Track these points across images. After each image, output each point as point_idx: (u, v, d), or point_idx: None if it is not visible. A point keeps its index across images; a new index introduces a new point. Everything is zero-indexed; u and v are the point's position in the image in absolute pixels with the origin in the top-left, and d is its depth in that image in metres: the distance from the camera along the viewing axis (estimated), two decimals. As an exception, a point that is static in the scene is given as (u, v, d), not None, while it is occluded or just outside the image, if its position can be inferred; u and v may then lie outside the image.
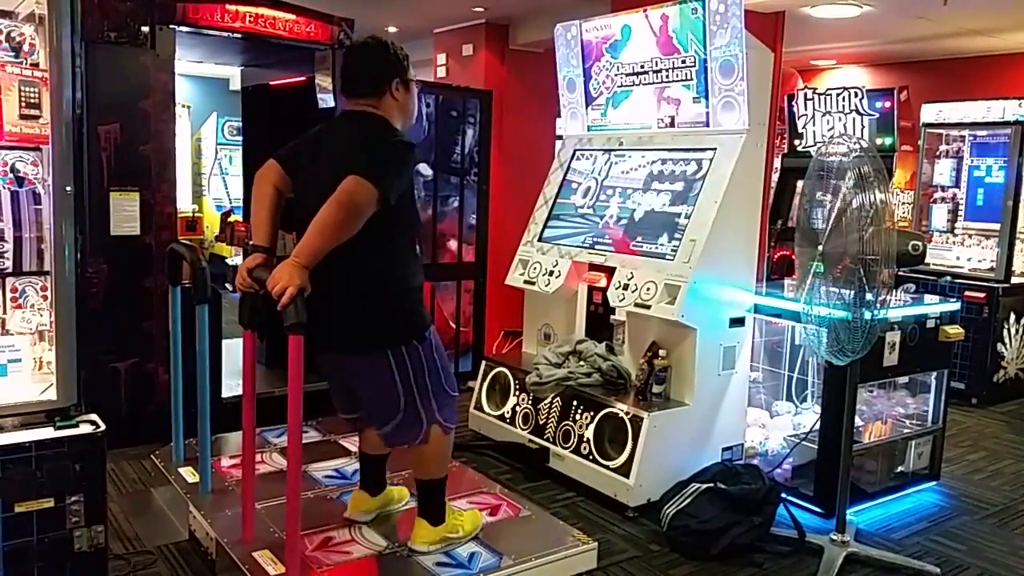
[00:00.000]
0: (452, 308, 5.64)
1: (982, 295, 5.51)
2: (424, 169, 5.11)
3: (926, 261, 3.45)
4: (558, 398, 3.99)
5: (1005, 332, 5.58)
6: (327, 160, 2.63)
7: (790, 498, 3.60)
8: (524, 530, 3.16)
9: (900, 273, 3.58)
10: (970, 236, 6.05)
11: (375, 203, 2.48)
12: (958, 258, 5.94)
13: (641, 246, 3.94)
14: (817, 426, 3.67)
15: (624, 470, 3.57)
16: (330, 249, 2.46)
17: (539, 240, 4.48)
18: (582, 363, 4.04)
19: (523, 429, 4.14)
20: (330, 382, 2.99)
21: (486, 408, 4.42)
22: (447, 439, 2.91)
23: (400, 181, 2.59)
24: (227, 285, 4.33)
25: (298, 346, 2.41)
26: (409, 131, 2.83)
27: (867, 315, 3.02)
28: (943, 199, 6.23)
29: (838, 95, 5.74)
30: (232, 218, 5.86)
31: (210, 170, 9.00)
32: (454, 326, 5.62)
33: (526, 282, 4.42)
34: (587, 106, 4.48)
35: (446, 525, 2.95)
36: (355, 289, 2.64)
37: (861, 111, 5.68)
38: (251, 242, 2.80)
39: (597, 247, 4.17)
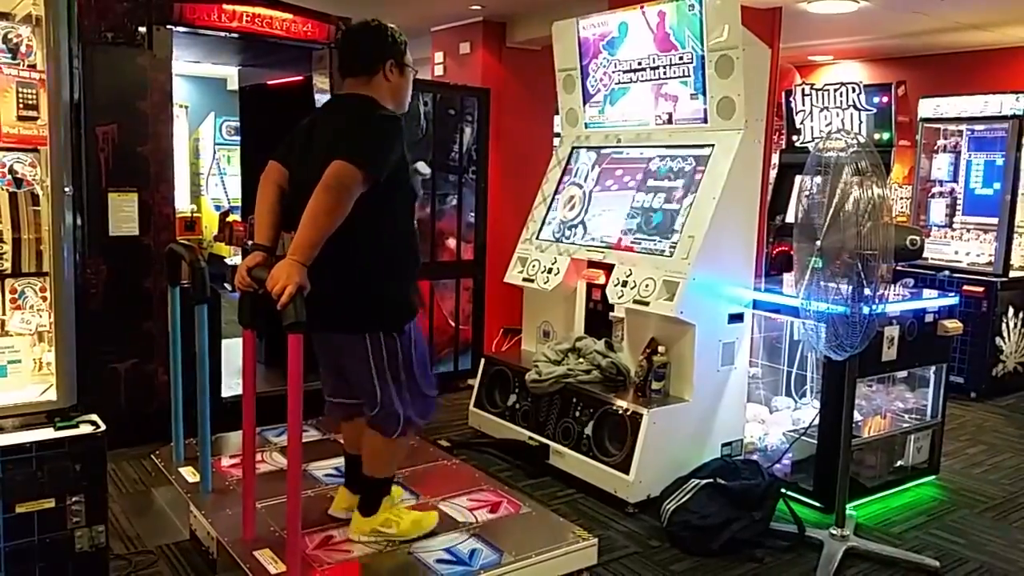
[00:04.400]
0: (451, 306, 5.64)
1: (980, 289, 5.52)
2: (422, 167, 5.11)
3: (924, 256, 3.46)
4: (558, 395, 3.99)
5: (1004, 326, 5.59)
6: (315, 150, 2.63)
7: (790, 493, 3.61)
8: (524, 527, 3.16)
9: (898, 268, 3.59)
10: (968, 230, 6.06)
11: (363, 183, 2.48)
12: (956, 252, 5.95)
13: (639, 243, 3.95)
14: (816, 421, 3.68)
15: (624, 466, 3.58)
16: (326, 237, 2.46)
17: (538, 238, 4.48)
18: (581, 360, 4.04)
19: (523, 426, 4.14)
20: (322, 361, 2.97)
21: (486, 406, 4.42)
22: (402, 441, 2.88)
23: (387, 156, 2.57)
24: (226, 285, 4.33)
25: (298, 345, 2.41)
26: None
27: (865, 310, 3.02)
28: (941, 194, 6.24)
29: (836, 90, 5.73)
30: (230, 218, 5.86)
31: (208, 170, 8.99)
32: (453, 324, 5.63)
33: (525, 280, 4.43)
34: (585, 103, 4.48)
35: (377, 518, 2.92)
36: (343, 265, 2.61)
37: (859, 106, 5.67)
38: (251, 241, 2.80)
39: (596, 244, 4.17)
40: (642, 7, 4.02)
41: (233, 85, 7.93)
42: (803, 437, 3.78)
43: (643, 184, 4.11)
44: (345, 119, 2.65)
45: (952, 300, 4.03)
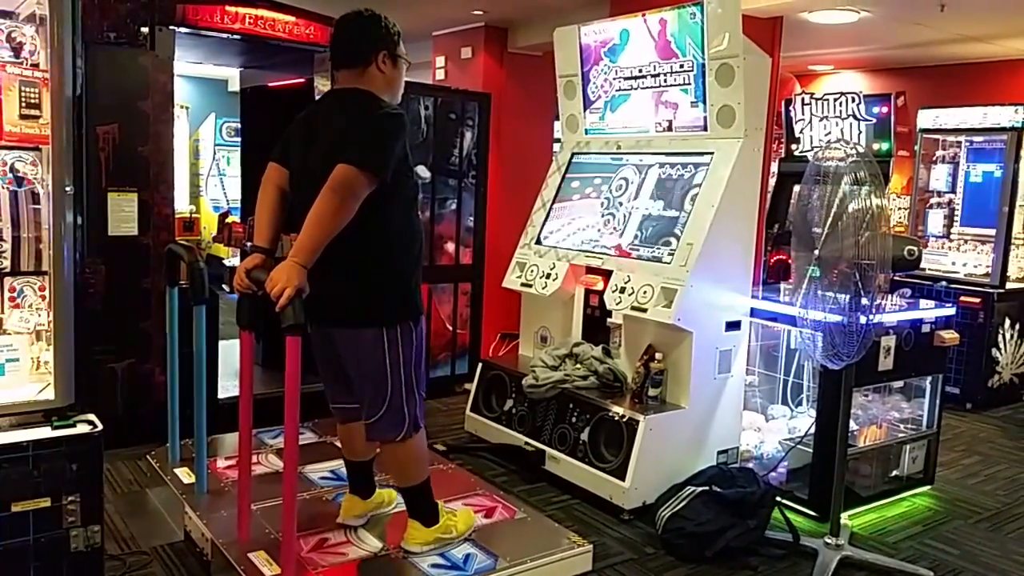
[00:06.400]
0: (449, 310, 5.65)
1: (977, 300, 5.53)
2: (422, 171, 5.12)
3: (922, 266, 3.46)
4: (554, 401, 3.99)
5: (1000, 337, 5.60)
6: (317, 148, 2.61)
7: (785, 501, 3.61)
8: (519, 532, 3.17)
9: (895, 278, 3.60)
10: (966, 241, 6.07)
11: (368, 185, 2.48)
12: (954, 263, 5.96)
13: (638, 249, 3.95)
14: (812, 430, 3.68)
15: (620, 473, 3.58)
16: (328, 240, 2.45)
17: (536, 243, 4.49)
18: (578, 366, 4.05)
19: (519, 431, 4.14)
20: (323, 365, 2.91)
21: (482, 410, 4.43)
22: (419, 440, 2.86)
23: (392, 155, 2.56)
24: (224, 286, 4.33)
25: (296, 347, 2.42)
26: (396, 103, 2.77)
27: (862, 319, 3.03)
28: (939, 204, 6.26)
29: (835, 100, 5.74)
30: (229, 219, 5.86)
31: (208, 171, 9.01)
32: (451, 328, 5.63)
33: (523, 284, 4.43)
34: (585, 109, 4.49)
35: (440, 525, 2.96)
36: (352, 259, 2.60)
37: (858, 116, 5.68)
38: (250, 243, 2.80)
39: (594, 250, 4.18)
40: (644, 15, 4.04)
41: (234, 87, 7.96)
42: (799, 446, 3.79)
43: (643, 190, 4.11)
44: (348, 118, 2.61)
45: (949, 311, 4.03)
